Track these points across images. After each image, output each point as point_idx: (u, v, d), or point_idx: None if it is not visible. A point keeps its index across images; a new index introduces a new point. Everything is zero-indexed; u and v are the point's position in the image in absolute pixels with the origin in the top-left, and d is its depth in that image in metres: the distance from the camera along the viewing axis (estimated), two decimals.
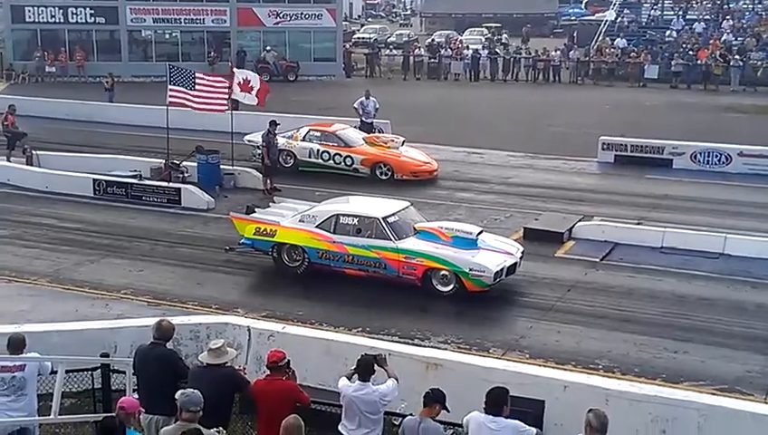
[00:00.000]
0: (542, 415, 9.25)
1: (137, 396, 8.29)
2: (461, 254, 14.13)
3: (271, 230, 15.32)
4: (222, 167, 21.49)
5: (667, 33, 44.38)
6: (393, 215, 14.97)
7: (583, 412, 6.93)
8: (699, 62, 39.97)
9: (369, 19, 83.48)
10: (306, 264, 15.13)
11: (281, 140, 22.12)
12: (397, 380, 8.18)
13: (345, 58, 45.34)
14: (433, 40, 51.99)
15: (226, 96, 20.73)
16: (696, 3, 48.65)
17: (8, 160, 23.11)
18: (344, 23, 52.89)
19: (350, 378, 8.16)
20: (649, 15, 47.98)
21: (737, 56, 39.48)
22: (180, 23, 43.10)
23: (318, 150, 22.52)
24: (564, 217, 18.43)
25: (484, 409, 7.28)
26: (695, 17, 46.30)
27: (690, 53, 40.87)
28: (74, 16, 42.21)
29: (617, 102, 35.50)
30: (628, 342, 12.56)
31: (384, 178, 21.93)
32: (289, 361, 8.22)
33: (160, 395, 8.05)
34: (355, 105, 26.46)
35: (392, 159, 22.19)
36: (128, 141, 26.15)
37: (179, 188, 20.05)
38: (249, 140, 23.09)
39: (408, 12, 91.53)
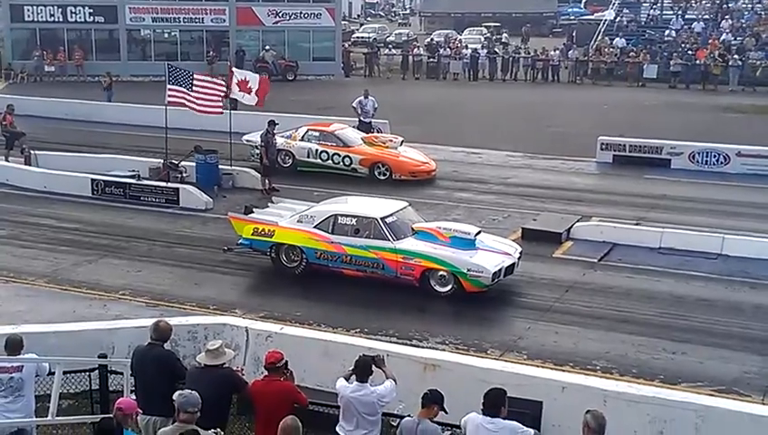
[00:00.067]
0: (539, 416, 9.25)
1: (134, 397, 8.30)
2: (459, 254, 14.13)
3: (269, 230, 15.32)
4: (220, 167, 21.49)
5: (666, 32, 44.41)
6: (391, 215, 14.97)
7: (581, 413, 6.93)
8: (698, 61, 39.99)
9: (369, 18, 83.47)
10: (304, 264, 15.13)
11: (279, 140, 22.12)
12: (395, 381, 8.18)
13: (344, 57, 45.33)
14: (432, 39, 51.98)
15: (221, 99, 20.68)
16: (695, 2, 48.63)
17: (6, 160, 23.10)
18: (343, 22, 52.91)
19: (347, 379, 8.15)
20: (648, 15, 47.98)
21: (736, 56, 39.49)
22: (179, 22, 43.07)
23: (316, 150, 22.51)
24: (562, 217, 18.43)
25: (481, 410, 7.28)
26: (694, 17, 46.30)
27: (689, 52, 40.88)
28: (73, 15, 42.16)
29: (615, 102, 35.50)
30: (627, 342, 12.56)
31: (382, 178, 21.94)
32: (287, 361, 8.22)
33: (158, 396, 8.05)
34: (354, 104, 26.47)
35: (391, 159, 22.19)
36: (126, 141, 26.14)
37: (178, 189, 20.04)
38: (248, 140, 23.07)
39: (407, 11, 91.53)
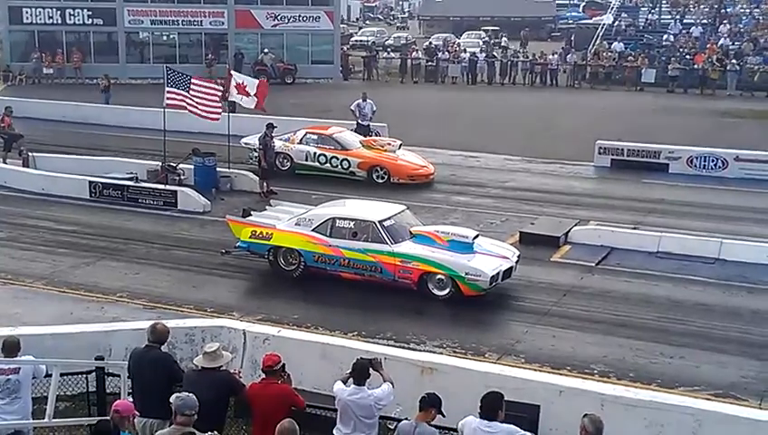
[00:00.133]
0: (537, 420, 9.23)
1: (131, 399, 8.28)
2: (457, 258, 14.13)
3: (267, 233, 15.32)
4: (218, 169, 21.49)
5: (665, 37, 44.52)
6: (389, 218, 14.97)
7: (579, 417, 6.94)
8: (696, 66, 40.05)
9: (367, 22, 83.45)
10: (302, 267, 15.12)
11: (277, 143, 22.12)
12: (392, 384, 8.17)
13: (342, 61, 45.34)
14: (430, 43, 52.01)
15: (219, 107, 20.69)
16: (694, 7, 48.78)
17: (4, 162, 23.10)
18: (342, 25, 52.84)
19: (345, 382, 8.15)
20: (647, 19, 48.11)
21: (734, 61, 39.57)
22: (178, 24, 43.08)
23: (315, 153, 22.52)
24: (560, 221, 18.45)
25: (479, 413, 7.27)
26: (692, 21, 46.42)
27: (687, 57, 40.92)
28: (72, 18, 42.15)
29: (614, 106, 35.54)
30: (624, 347, 12.56)
31: (380, 181, 21.95)
32: (284, 364, 8.22)
33: (155, 399, 8.04)
34: (352, 107, 26.51)
35: (389, 162, 22.20)
36: (124, 144, 26.15)
37: (176, 191, 20.04)
38: (246, 143, 23.07)
39: (406, 15, 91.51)
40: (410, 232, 14.87)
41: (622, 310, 13.98)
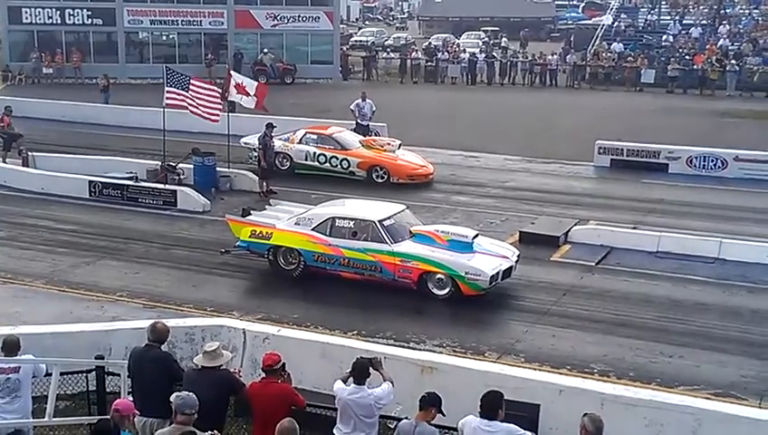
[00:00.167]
0: (537, 419, 9.23)
1: (131, 398, 8.28)
2: (457, 257, 14.13)
3: (267, 233, 15.32)
4: (218, 169, 21.50)
5: (664, 37, 44.53)
6: (389, 218, 14.97)
7: (579, 416, 6.94)
8: (695, 66, 40.06)
9: (367, 22, 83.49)
10: (302, 267, 15.12)
11: (277, 143, 22.13)
12: (392, 383, 8.17)
13: (342, 61, 45.34)
14: (430, 43, 52.04)
15: (219, 108, 20.71)
16: (693, 8, 48.80)
17: (4, 162, 23.09)
18: (341, 26, 52.86)
19: (345, 381, 8.15)
20: (646, 20, 48.13)
21: (733, 61, 39.59)
22: (177, 25, 43.07)
23: (314, 153, 22.52)
24: (560, 220, 18.46)
25: (479, 413, 7.27)
26: (691, 22, 46.44)
27: (687, 57, 40.95)
28: (71, 17, 42.14)
29: (613, 107, 35.55)
30: (624, 346, 12.57)
31: (380, 181, 21.95)
32: (284, 364, 8.22)
33: (155, 398, 8.04)
34: (351, 107, 26.53)
35: (388, 162, 22.20)
36: (124, 143, 26.15)
37: (175, 191, 20.04)
38: (245, 143, 23.08)
39: (406, 15, 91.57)
40: (410, 231, 14.87)
41: (622, 309, 13.99)
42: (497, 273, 14.10)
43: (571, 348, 12.55)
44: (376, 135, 25.46)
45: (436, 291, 14.23)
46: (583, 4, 71.35)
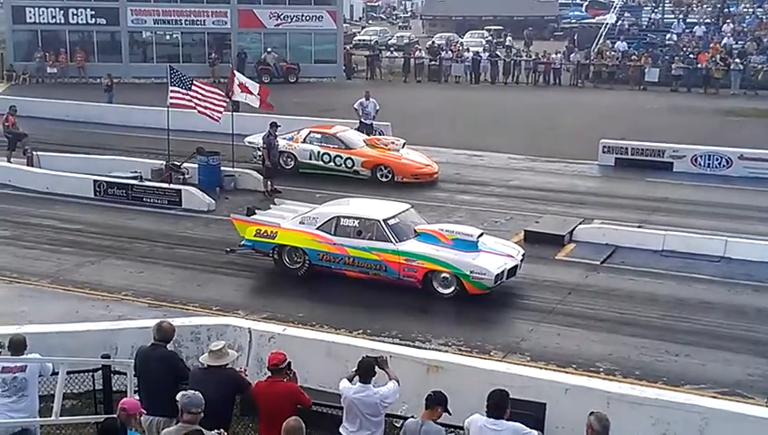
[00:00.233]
0: (543, 418, 9.24)
1: (138, 397, 8.29)
2: (462, 256, 14.13)
3: (271, 232, 15.32)
4: (222, 168, 21.51)
5: (668, 36, 44.44)
6: (394, 217, 14.97)
7: (585, 415, 6.94)
8: (699, 65, 40.00)
9: (370, 21, 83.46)
10: (307, 266, 15.12)
11: (281, 142, 22.13)
12: (397, 382, 8.18)
13: (346, 60, 45.35)
14: (433, 42, 51.98)
15: (222, 107, 20.73)
16: (697, 6, 48.71)
17: (9, 161, 23.11)
18: (345, 25, 52.87)
19: (350, 380, 8.16)
20: (650, 19, 48.01)
21: (737, 60, 39.51)
22: (181, 24, 43.09)
23: (318, 152, 22.53)
24: (565, 219, 18.44)
25: (486, 411, 7.27)
26: (695, 21, 46.33)
27: (690, 56, 40.89)
28: (75, 17, 42.17)
29: (617, 106, 35.50)
30: (629, 345, 12.55)
31: (384, 180, 21.94)
32: (290, 362, 8.23)
33: (161, 397, 8.06)
34: (355, 106, 26.54)
35: (393, 161, 22.20)
36: (128, 143, 26.18)
37: (180, 190, 20.06)
38: (250, 142, 23.10)
39: (409, 14, 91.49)
40: (415, 230, 14.87)
41: (627, 308, 13.98)
42: (502, 272, 14.10)
43: (577, 347, 12.54)
44: (380, 134, 25.46)
45: (441, 290, 14.22)
46: (587, 3, 71.33)
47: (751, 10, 47.65)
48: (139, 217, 19.14)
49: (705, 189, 21.80)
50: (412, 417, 7.79)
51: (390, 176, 21.98)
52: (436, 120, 31.31)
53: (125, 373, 9.43)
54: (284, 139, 22.54)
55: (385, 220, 14.72)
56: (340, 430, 8.15)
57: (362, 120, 26.09)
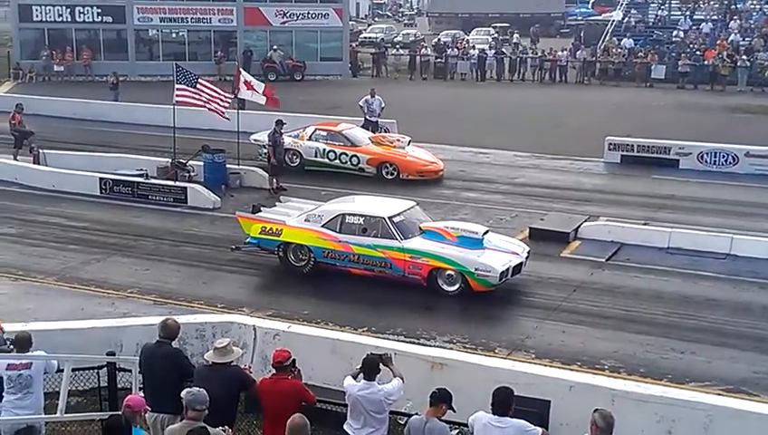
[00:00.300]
0: (547, 415, 9.24)
1: (143, 394, 8.31)
2: (467, 253, 14.12)
3: (277, 229, 15.34)
4: (228, 166, 21.53)
5: (674, 33, 44.28)
6: (399, 214, 14.97)
7: (589, 412, 6.92)
8: (706, 62, 39.84)
9: (376, 19, 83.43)
10: (312, 263, 15.14)
11: (287, 140, 22.14)
12: (402, 379, 8.18)
13: (351, 58, 45.30)
14: (439, 40, 51.90)
15: (227, 105, 20.76)
16: (704, 3, 48.52)
17: (15, 159, 23.17)
18: (351, 22, 52.78)
19: (355, 377, 8.16)
20: (656, 15, 47.89)
21: (744, 57, 39.36)
22: (187, 22, 43.09)
23: (324, 150, 22.53)
24: (570, 217, 18.42)
25: (491, 408, 7.27)
26: (702, 17, 46.16)
27: (697, 53, 40.75)
28: (81, 15, 42.23)
29: (623, 103, 35.43)
30: (634, 342, 12.54)
31: (390, 177, 21.94)
32: (294, 360, 8.24)
33: (166, 394, 8.07)
34: (360, 103, 26.54)
35: (398, 158, 22.19)
36: (134, 140, 26.22)
37: (185, 187, 20.08)
38: (255, 140, 23.09)
39: (415, 11, 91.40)
40: (420, 228, 14.87)
41: (632, 305, 13.96)
42: (507, 269, 14.09)
43: (582, 344, 12.54)
44: (385, 131, 25.45)
45: (445, 287, 14.22)
46: (593, 0, 71.12)
47: (758, 7, 47.46)
48: (144, 215, 19.18)
49: (712, 186, 21.76)
50: (416, 414, 7.79)
51: (396, 173, 21.98)
52: (442, 118, 31.27)
53: (130, 370, 9.44)
54: (290, 136, 22.55)
55: (390, 218, 14.72)
56: (345, 427, 8.15)
57: (368, 117, 26.08)
